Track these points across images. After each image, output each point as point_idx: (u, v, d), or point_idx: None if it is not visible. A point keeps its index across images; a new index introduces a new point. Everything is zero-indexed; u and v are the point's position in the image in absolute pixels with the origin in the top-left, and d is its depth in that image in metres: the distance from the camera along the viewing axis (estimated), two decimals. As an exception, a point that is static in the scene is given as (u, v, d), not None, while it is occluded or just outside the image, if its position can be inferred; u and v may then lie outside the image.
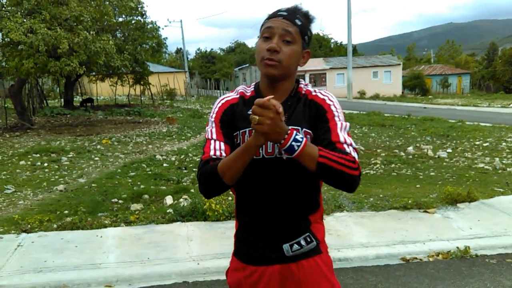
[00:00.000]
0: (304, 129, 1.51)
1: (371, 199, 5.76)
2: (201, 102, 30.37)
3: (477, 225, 4.77)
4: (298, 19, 1.52)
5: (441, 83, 45.15)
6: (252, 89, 1.64)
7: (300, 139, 1.37)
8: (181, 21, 48.17)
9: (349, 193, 1.53)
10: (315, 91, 1.60)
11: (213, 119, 1.60)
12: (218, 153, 1.53)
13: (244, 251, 1.64)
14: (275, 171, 1.52)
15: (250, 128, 1.44)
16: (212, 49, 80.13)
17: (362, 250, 4.20)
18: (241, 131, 1.55)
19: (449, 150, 9.63)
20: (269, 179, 1.53)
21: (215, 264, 3.91)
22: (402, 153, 9.36)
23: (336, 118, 1.52)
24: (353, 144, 1.49)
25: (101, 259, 3.97)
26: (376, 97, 35.82)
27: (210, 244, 4.33)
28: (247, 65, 46.26)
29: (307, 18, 1.56)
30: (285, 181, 1.53)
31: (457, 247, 4.18)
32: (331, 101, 1.56)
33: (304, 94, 1.59)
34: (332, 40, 67.43)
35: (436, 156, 8.98)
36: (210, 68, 61.52)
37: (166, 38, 24.53)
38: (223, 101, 1.63)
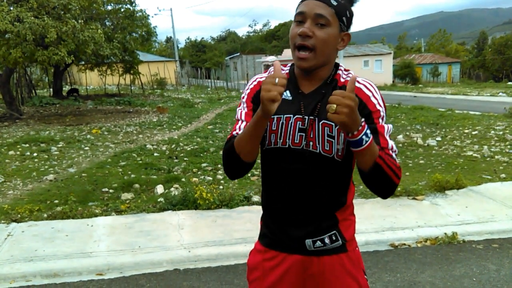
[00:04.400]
0: (337, 126, 1.39)
1: (361, 186, 5.80)
2: (192, 92, 30.22)
3: (465, 212, 4.85)
4: None
5: (431, 72, 45.32)
6: (287, 71, 1.54)
7: (369, 134, 1.29)
8: (171, 10, 47.65)
9: (383, 198, 1.48)
10: (358, 82, 1.44)
11: (244, 100, 1.56)
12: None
13: (268, 235, 1.60)
14: (300, 163, 1.45)
15: (279, 116, 1.45)
16: (202, 37, 79.54)
17: (352, 236, 4.24)
18: (275, 116, 1.46)
19: (439, 139, 9.71)
20: (294, 171, 1.46)
21: (206, 251, 3.94)
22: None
23: (381, 119, 1.43)
24: (396, 149, 1.45)
25: (92, 247, 3.98)
26: (367, 86, 35.86)
27: (201, 232, 4.35)
28: (238, 54, 46.04)
29: None
30: (311, 176, 1.45)
31: (445, 233, 4.25)
32: (376, 98, 1.45)
33: (344, 84, 1.47)
34: (324, 29, 67.14)
35: (426, 144, 9.06)
36: (201, 57, 61.08)
37: (156, 26, 24.25)
38: (255, 83, 1.56)
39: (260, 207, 1.67)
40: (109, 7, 19.55)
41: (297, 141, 1.44)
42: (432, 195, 5.41)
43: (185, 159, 7.80)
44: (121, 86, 28.99)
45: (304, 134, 1.43)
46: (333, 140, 1.41)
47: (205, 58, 58.94)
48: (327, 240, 1.50)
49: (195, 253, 3.90)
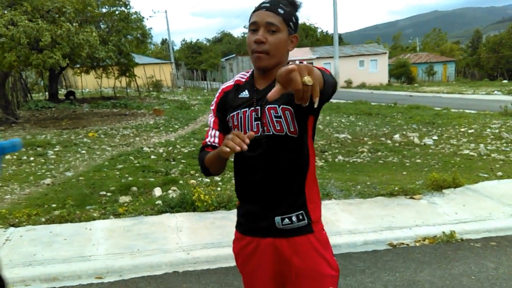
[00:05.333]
0: (281, 106, 1.58)
1: (358, 186, 5.82)
2: (188, 94, 30.20)
3: (462, 210, 4.87)
4: (281, 8, 1.59)
5: (426, 71, 45.48)
6: (248, 75, 1.75)
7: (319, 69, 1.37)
8: (166, 12, 47.63)
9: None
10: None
11: (212, 108, 1.80)
12: (212, 139, 1.75)
13: (242, 223, 1.78)
14: (261, 148, 1.62)
15: (237, 111, 1.66)
16: (198, 39, 79.34)
17: (350, 236, 4.26)
18: (230, 114, 1.69)
19: (435, 137, 9.75)
20: (258, 157, 1.64)
21: (205, 253, 3.93)
22: (389, 141, 9.45)
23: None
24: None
25: (91, 251, 3.97)
26: (362, 86, 36.01)
27: (199, 234, 4.34)
28: (234, 55, 46.03)
29: (292, 5, 1.63)
30: (272, 156, 1.63)
31: (443, 232, 4.27)
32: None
33: None
34: (319, 30, 67.37)
35: (422, 144, 9.10)
36: (197, 58, 61.03)
37: (151, 28, 24.16)
38: (219, 91, 1.80)
39: None
40: (104, 10, 19.48)
41: (255, 130, 1.62)
42: (430, 194, 5.42)
43: (183, 161, 7.79)
44: (117, 88, 28.92)
45: (259, 122, 1.62)
46: (281, 119, 1.59)
47: (201, 59, 58.92)
48: (294, 219, 1.66)
49: (194, 255, 3.90)
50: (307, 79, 1.13)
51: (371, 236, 4.27)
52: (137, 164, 7.61)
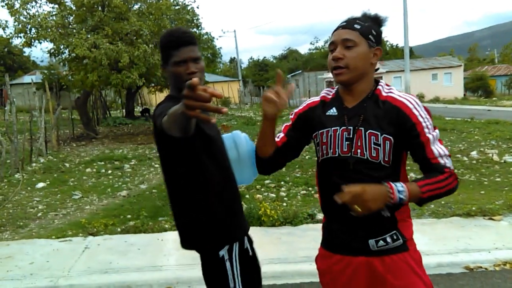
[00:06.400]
0: (383, 135, 1.58)
1: (432, 206, 5.56)
2: (254, 110, 30.65)
3: (550, 234, 4.47)
4: (357, 24, 1.63)
5: (506, 84, 42.66)
6: (334, 91, 1.77)
7: (404, 190, 1.48)
8: (234, 31, 49.01)
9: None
10: (399, 96, 1.64)
11: (290, 117, 1.86)
12: (276, 139, 1.81)
13: (331, 240, 1.75)
14: (351, 170, 1.61)
15: (327, 129, 1.68)
16: (264, 57, 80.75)
17: (423, 257, 4.04)
18: (319, 131, 1.71)
19: (517, 155, 9.07)
20: (346, 177, 1.60)
21: (272, 269, 3.93)
22: (465, 158, 8.94)
23: (426, 130, 1.58)
24: (446, 152, 1.60)
25: (162, 261, 4.13)
26: (436, 100, 34.45)
27: (265, 249, 4.35)
28: (300, 71, 46.16)
29: (372, 20, 1.67)
30: (362, 179, 1.56)
31: (527, 257, 3.94)
32: (417, 110, 1.60)
33: (386, 99, 1.64)
34: (388, 43, 65.80)
35: (502, 161, 8.50)
36: (263, 76, 61.96)
37: (221, 48, 25.07)
38: (304, 104, 1.84)
39: None
40: (177, 31, 20.43)
41: (345, 150, 1.63)
42: (511, 215, 5.05)
43: (249, 176, 7.89)
44: (187, 105, 29.99)
45: (350, 143, 1.61)
46: (379, 148, 1.58)
47: (267, 76, 59.68)
48: (389, 239, 1.63)
49: (261, 270, 3.91)
50: (356, 208, 1.44)
51: (446, 258, 4.05)
52: (206, 179, 7.81)
